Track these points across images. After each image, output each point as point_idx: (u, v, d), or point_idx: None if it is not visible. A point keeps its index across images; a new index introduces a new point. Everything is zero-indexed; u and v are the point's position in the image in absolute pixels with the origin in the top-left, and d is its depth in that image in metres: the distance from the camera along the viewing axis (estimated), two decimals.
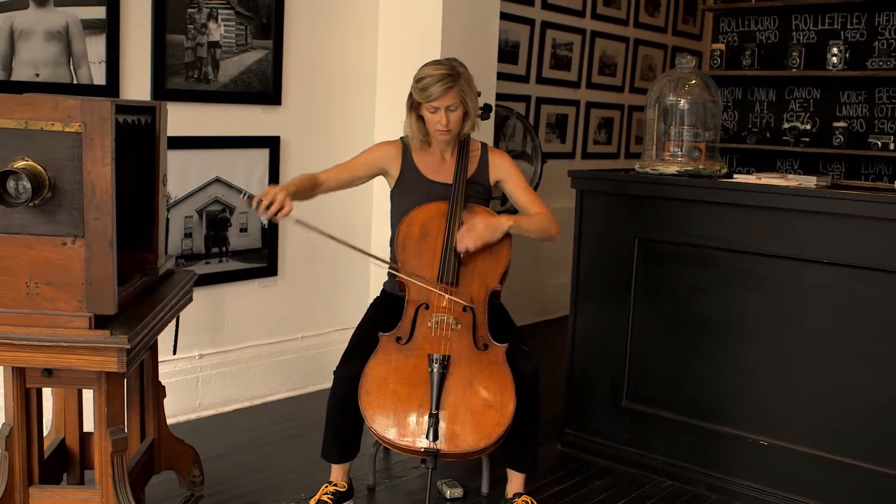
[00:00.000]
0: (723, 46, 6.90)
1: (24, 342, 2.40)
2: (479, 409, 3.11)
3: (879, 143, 6.20)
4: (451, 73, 3.37)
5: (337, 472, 3.48)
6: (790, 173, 5.28)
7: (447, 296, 3.29)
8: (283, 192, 3.13)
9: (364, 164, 3.58)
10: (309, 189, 3.39)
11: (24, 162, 2.34)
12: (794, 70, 6.53)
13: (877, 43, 6.30)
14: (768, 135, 6.79)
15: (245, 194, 3.14)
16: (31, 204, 2.34)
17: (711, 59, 6.93)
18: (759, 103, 6.90)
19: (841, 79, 6.43)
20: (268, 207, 3.08)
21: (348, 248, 3.43)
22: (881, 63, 6.21)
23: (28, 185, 2.30)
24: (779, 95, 6.81)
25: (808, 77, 6.58)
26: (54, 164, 2.36)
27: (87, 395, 2.94)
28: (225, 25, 4.24)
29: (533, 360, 3.34)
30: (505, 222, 3.39)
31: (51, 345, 2.41)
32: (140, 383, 3.13)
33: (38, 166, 2.35)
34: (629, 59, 7.49)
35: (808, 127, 6.60)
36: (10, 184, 2.30)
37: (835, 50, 6.32)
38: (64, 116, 2.35)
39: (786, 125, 6.72)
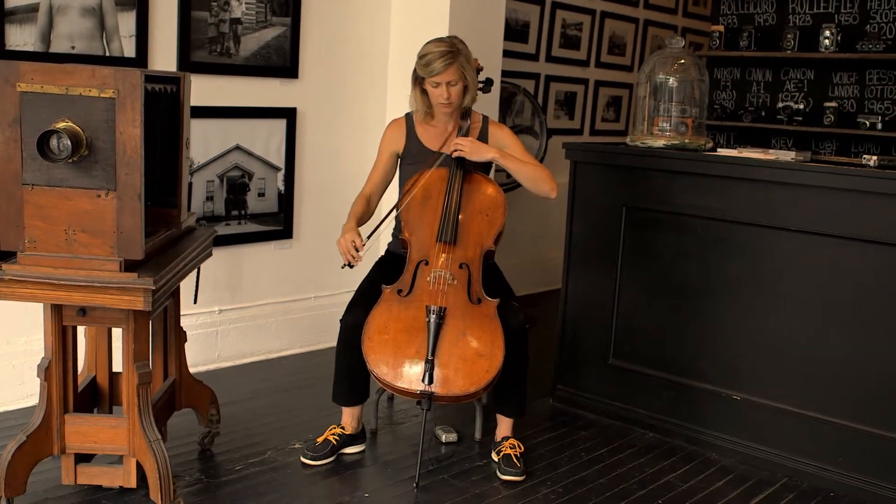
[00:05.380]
0: (722, 28, 7.09)
1: (62, 282, 2.72)
2: (471, 357, 3.40)
3: (868, 123, 6.43)
4: (451, 49, 3.62)
5: (346, 417, 3.75)
6: (782, 150, 5.51)
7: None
8: (351, 237, 3.58)
9: (385, 155, 3.89)
10: (365, 213, 3.79)
11: (65, 123, 2.64)
12: (789, 52, 6.74)
13: (868, 26, 6.49)
14: (763, 114, 6.98)
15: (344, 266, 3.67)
16: (70, 160, 2.64)
17: (710, 39, 7.11)
18: (755, 83, 7.10)
19: (834, 60, 6.62)
20: (353, 256, 3.58)
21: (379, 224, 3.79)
22: (871, 46, 6.41)
23: (68, 144, 2.60)
24: (775, 76, 7.01)
25: (803, 59, 6.77)
26: (91, 126, 2.67)
27: (116, 341, 3.26)
28: (246, 3, 4.52)
29: (521, 315, 3.61)
30: (491, 151, 3.64)
31: (86, 285, 2.73)
32: (164, 327, 3.44)
33: (77, 127, 2.65)
34: (638, 40, 7.64)
35: (802, 106, 6.80)
36: (53, 142, 2.61)
37: (827, 33, 6.52)
38: (100, 84, 2.65)
39: (780, 104, 6.93)
